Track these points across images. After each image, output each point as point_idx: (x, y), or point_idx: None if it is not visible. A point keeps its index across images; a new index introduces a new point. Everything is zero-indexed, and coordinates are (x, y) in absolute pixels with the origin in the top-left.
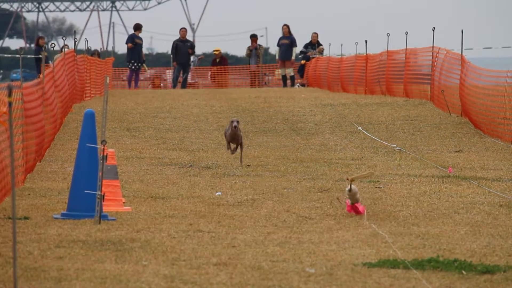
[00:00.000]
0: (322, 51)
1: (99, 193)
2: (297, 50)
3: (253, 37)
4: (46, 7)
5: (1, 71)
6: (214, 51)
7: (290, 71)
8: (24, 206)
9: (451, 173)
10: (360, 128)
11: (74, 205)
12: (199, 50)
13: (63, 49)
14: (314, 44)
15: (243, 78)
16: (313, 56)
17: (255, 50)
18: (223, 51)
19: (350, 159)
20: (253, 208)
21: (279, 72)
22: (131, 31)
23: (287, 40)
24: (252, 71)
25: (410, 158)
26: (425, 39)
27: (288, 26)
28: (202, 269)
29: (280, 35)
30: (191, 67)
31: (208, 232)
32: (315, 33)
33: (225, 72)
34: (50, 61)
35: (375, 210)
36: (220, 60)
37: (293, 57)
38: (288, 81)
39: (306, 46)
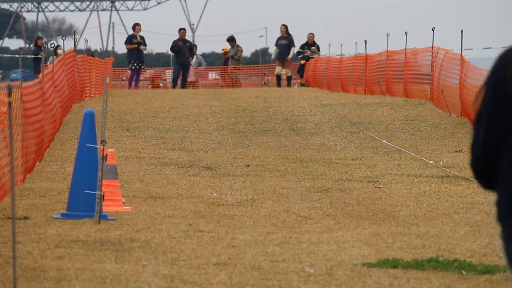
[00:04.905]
0: (315, 51)
1: (99, 193)
2: (295, 50)
3: (230, 41)
4: (46, 7)
5: (1, 71)
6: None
7: (288, 71)
8: (24, 206)
9: (442, 163)
10: (362, 128)
11: (73, 205)
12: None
13: (56, 52)
14: (310, 45)
15: (244, 78)
16: (312, 56)
17: (234, 51)
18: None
19: (350, 159)
20: (252, 208)
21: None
22: (131, 31)
23: (285, 41)
24: (229, 72)
25: (410, 158)
26: (425, 39)
27: (286, 26)
28: (202, 269)
29: (279, 35)
30: (193, 66)
31: (208, 232)
32: (311, 33)
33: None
34: (47, 62)
35: (375, 210)
36: (225, 60)
37: (289, 56)
38: (285, 81)
39: (302, 47)
